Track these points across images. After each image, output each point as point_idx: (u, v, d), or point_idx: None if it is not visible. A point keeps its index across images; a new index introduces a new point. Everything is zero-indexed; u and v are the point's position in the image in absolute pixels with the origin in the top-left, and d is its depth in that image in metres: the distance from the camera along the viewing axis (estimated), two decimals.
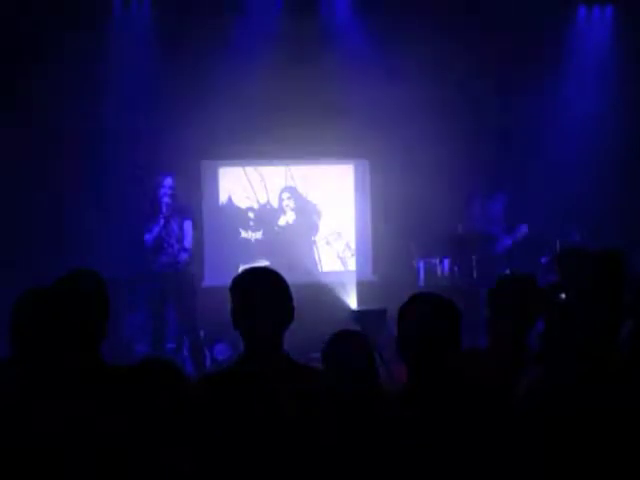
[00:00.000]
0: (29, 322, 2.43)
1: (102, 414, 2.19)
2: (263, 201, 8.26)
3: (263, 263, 7.40)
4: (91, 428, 2.19)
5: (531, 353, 2.72)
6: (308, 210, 8.33)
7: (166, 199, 6.41)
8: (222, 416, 2.30)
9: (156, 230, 6.40)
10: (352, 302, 7.77)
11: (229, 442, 2.26)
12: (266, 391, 2.32)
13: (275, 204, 8.28)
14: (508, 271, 7.10)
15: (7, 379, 2.41)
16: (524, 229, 7.25)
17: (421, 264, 7.78)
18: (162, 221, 6.39)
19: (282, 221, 8.30)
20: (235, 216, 8.20)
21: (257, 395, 2.32)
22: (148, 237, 6.43)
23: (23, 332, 2.44)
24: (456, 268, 7.57)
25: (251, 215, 8.23)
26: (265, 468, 2.25)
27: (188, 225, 6.60)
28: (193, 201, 7.58)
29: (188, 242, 6.55)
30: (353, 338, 3.10)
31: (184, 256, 6.48)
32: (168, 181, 6.46)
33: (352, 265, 8.40)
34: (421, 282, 7.73)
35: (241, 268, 6.70)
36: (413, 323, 2.18)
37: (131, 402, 2.10)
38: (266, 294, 2.42)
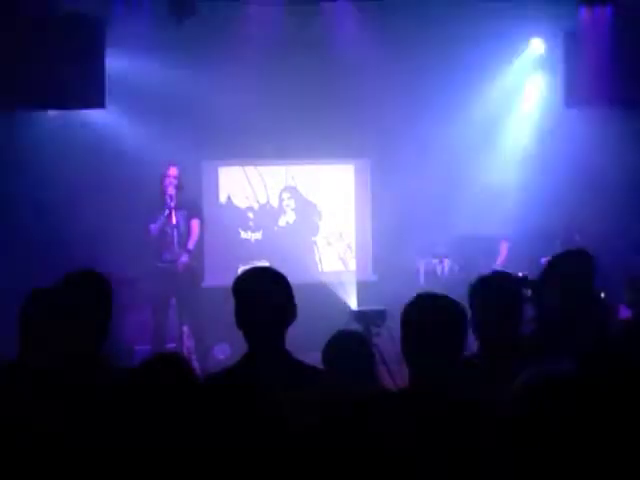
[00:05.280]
0: (35, 322, 2.45)
1: (105, 413, 2.19)
2: (263, 201, 8.26)
3: (263, 263, 7.40)
4: (94, 428, 2.19)
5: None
6: (308, 210, 8.33)
7: (171, 190, 6.39)
8: (225, 415, 2.30)
9: (161, 220, 6.38)
10: (352, 302, 7.77)
11: (231, 441, 2.27)
12: (268, 390, 2.33)
13: (275, 204, 8.29)
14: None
15: (12, 378, 2.42)
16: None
17: (421, 264, 7.78)
18: (167, 211, 6.36)
19: (282, 221, 8.30)
20: (235, 216, 8.20)
21: (260, 394, 2.33)
22: (153, 227, 6.42)
23: (29, 332, 2.45)
24: (456, 268, 7.57)
25: (251, 215, 8.24)
26: (266, 467, 2.25)
27: (196, 224, 6.58)
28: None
29: (192, 243, 6.53)
30: (353, 338, 3.11)
31: (185, 258, 6.47)
32: (172, 170, 6.44)
33: (352, 265, 8.40)
34: (421, 282, 7.74)
35: (241, 268, 6.72)
36: (417, 324, 2.17)
37: (136, 400, 2.10)
38: (267, 293, 2.43)
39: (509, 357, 2.65)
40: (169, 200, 6.39)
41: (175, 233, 6.42)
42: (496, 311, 2.73)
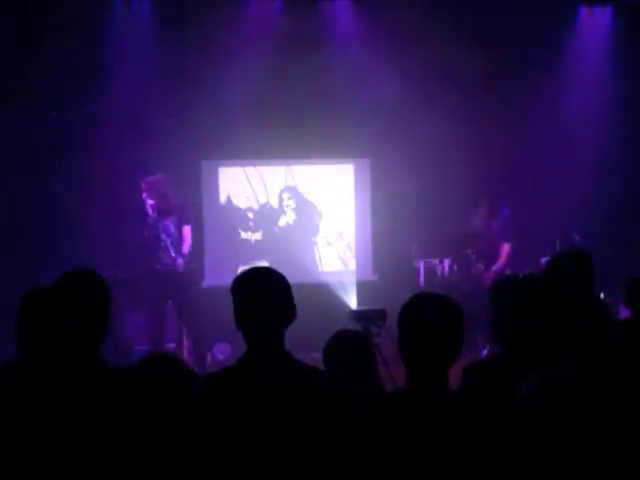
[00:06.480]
0: (32, 322, 2.44)
1: (103, 413, 2.19)
2: (263, 201, 8.26)
3: (263, 263, 7.39)
4: (92, 427, 2.19)
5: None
6: (308, 210, 8.33)
7: (149, 201, 6.48)
8: (223, 415, 2.30)
9: (147, 230, 6.49)
10: (352, 302, 7.77)
11: (230, 440, 2.26)
12: (268, 390, 2.33)
13: (275, 204, 8.28)
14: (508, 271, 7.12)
15: (10, 379, 2.42)
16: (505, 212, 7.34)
17: (421, 264, 7.78)
18: (150, 222, 6.48)
19: (282, 221, 8.30)
20: (235, 216, 8.20)
21: (259, 394, 2.33)
22: (144, 235, 6.53)
23: (27, 332, 2.45)
24: (456, 268, 7.57)
25: (251, 215, 8.23)
26: (265, 466, 2.25)
27: (187, 230, 6.63)
28: (193, 201, 7.59)
29: (187, 248, 6.57)
30: (353, 338, 3.11)
31: (180, 261, 6.49)
32: (142, 186, 6.53)
33: (352, 265, 8.40)
34: (421, 282, 7.74)
35: (241, 268, 6.73)
36: (414, 323, 2.17)
37: (133, 399, 2.10)
38: (266, 293, 2.42)
39: (525, 358, 2.65)
40: (151, 211, 6.50)
41: (167, 238, 6.47)
42: (519, 311, 2.72)
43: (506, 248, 7.32)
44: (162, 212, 6.51)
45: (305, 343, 4.14)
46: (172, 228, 6.53)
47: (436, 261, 7.75)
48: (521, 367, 2.44)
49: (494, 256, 7.33)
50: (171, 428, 2.07)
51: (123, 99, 7.11)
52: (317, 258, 8.35)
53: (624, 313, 4.81)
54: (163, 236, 6.48)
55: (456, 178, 7.66)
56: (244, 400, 2.33)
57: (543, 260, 6.98)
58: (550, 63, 7.97)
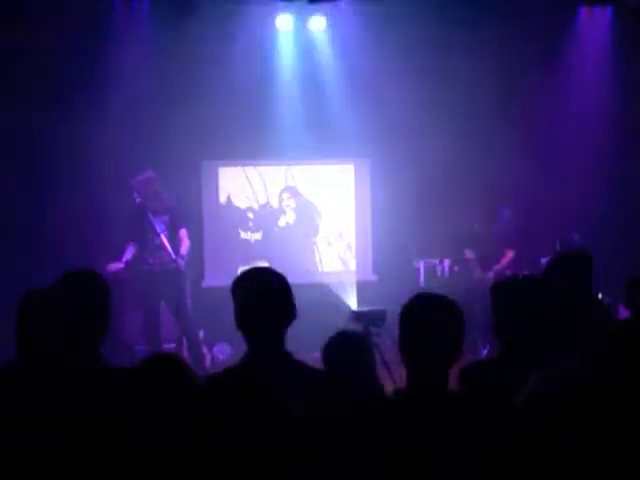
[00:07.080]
0: (32, 323, 2.44)
1: (103, 413, 2.19)
2: (263, 201, 8.26)
3: (263, 263, 7.40)
4: (92, 427, 2.19)
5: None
6: (308, 210, 8.33)
7: (141, 200, 6.38)
8: (223, 415, 2.30)
9: (141, 229, 6.41)
10: (352, 302, 7.77)
11: (230, 440, 2.26)
12: (269, 391, 2.32)
13: (275, 204, 8.28)
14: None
15: (10, 380, 2.42)
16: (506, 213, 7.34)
17: (421, 264, 7.79)
18: (142, 220, 6.37)
19: (282, 221, 8.30)
20: (235, 216, 8.20)
21: (259, 394, 2.33)
22: (138, 234, 6.46)
23: (26, 333, 2.45)
24: (456, 268, 7.57)
25: (251, 215, 8.23)
26: (265, 467, 2.25)
27: (184, 233, 6.58)
28: (193, 201, 7.59)
29: (185, 249, 6.52)
30: (353, 338, 3.11)
31: (181, 262, 6.45)
32: (133, 186, 6.43)
33: (352, 265, 8.40)
34: (421, 282, 7.74)
35: (241, 269, 6.72)
36: (415, 324, 2.17)
37: (134, 399, 2.10)
38: (266, 294, 2.42)
39: (525, 358, 2.65)
40: (142, 210, 6.39)
41: (161, 237, 6.37)
42: (519, 311, 2.73)
43: (510, 254, 7.31)
44: (155, 211, 6.43)
45: (305, 343, 4.13)
46: (164, 228, 6.46)
47: (436, 261, 7.76)
48: (521, 367, 2.44)
49: (496, 261, 7.32)
50: (171, 428, 2.07)
51: (123, 99, 7.10)
52: (317, 258, 8.35)
53: (624, 313, 4.81)
54: (155, 235, 6.38)
55: (456, 178, 7.66)
56: (244, 400, 2.33)
57: (543, 260, 6.98)
58: (550, 63, 7.97)
